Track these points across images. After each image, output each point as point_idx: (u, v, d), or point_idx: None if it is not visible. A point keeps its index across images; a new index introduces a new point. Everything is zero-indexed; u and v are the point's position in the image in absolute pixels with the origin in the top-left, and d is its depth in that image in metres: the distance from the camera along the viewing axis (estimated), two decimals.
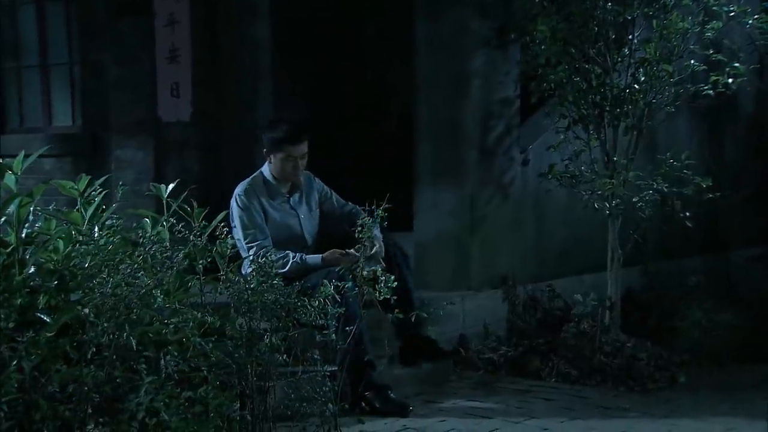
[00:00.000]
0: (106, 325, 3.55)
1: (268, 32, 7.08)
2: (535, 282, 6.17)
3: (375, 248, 4.92)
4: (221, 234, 4.18)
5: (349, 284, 4.40)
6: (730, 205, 6.79)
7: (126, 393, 3.57)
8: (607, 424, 4.76)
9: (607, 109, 5.77)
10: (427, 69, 6.03)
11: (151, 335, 3.79)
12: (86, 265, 3.77)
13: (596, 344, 5.60)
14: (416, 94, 6.10)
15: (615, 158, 5.82)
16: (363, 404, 4.80)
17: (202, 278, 4.15)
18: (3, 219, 3.85)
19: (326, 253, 5.11)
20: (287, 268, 4.99)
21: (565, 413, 4.91)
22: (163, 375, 3.68)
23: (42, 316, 3.59)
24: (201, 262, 4.09)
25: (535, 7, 5.79)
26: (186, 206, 4.28)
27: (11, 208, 3.80)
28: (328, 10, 7.34)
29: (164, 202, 4.32)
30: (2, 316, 3.50)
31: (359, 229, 4.32)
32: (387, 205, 4.27)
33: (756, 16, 5.96)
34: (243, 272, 4.60)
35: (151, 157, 6.97)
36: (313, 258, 5.13)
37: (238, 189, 5.25)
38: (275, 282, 4.07)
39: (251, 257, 4.79)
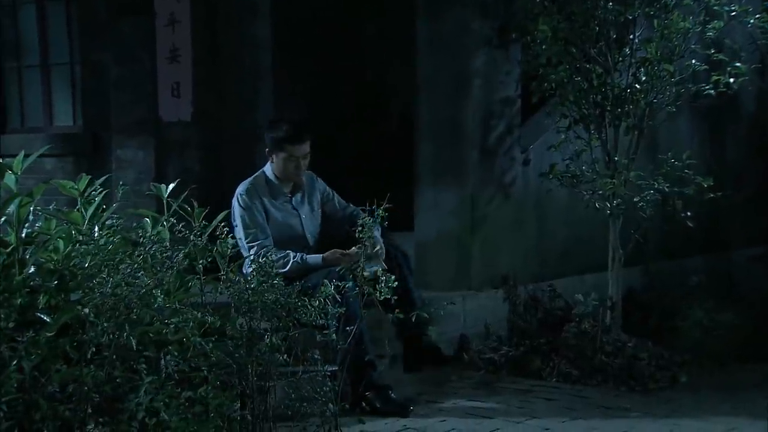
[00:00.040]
0: (106, 325, 3.55)
1: (268, 32, 7.08)
2: (536, 282, 6.17)
3: (376, 248, 4.94)
4: (221, 234, 4.18)
5: (350, 284, 4.40)
6: (731, 205, 6.78)
7: (126, 393, 3.57)
8: (609, 424, 4.75)
9: (608, 108, 5.76)
10: (428, 69, 6.02)
11: (151, 335, 3.79)
12: (86, 265, 3.77)
13: (597, 344, 5.59)
14: (417, 94, 6.09)
15: (616, 158, 5.81)
16: (363, 404, 4.79)
17: (203, 278, 4.15)
18: (3, 219, 3.84)
19: (327, 253, 5.11)
20: (288, 267, 5.00)
21: (567, 413, 4.91)
22: (163, 375, 3.68)
23: (42, 316, 3.59)
24: (201, 262, 4.09)
25: (536, 7, 5.78)
26: (186, 206, 4.28)
27: (11, 208, 3.80)
28: (328, 10, 7.34)
29: (164, 201, 4.32)
30: (2, 315, 3.50)
31: (359, 228, 4.32)
32: (387, 205, 4.27)
33: (757, 16, 5.96)
34: (244, 272, 4.59)
35: (151, 156, 6.98)
36: (314, 258, 5.14)
37: (240, 188, 5.25)
38: (276, 282, 4.07)
39: (252, 257, 4.79)
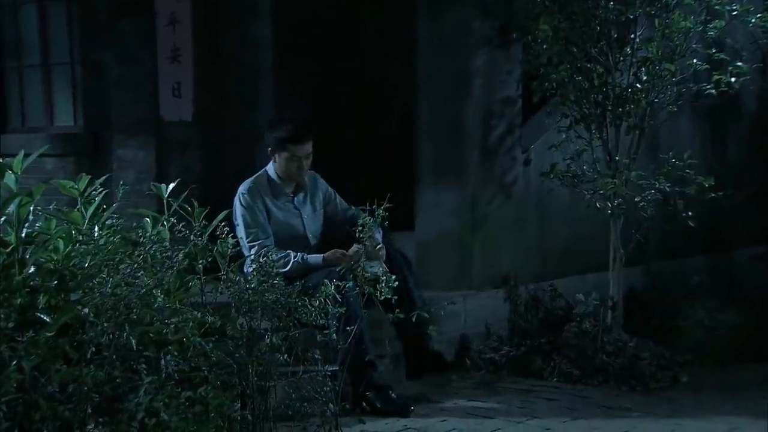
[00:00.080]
0: (106, 324, 3.55)
1: (269, 32, 7.07)
2: (537, 281, 6.16)
3: (378, 246, 4.94)
4: (222, 233, 4.17)
5: (350, 284, 4.40)
6: (732, 204, 6.77)
7: (126, 393, 3.56)
8: (610, 423, 4.74)
9: (609, 108, 5.75)
10: (429, 68, 6.02)
11: (151, 335, 3.78)
12: (86, 265, 3.77)
13: (598, 344, 5.59)
14: (417, 94, 6.09)
15: (617, 158, 5.80)
16: (364, 404, 4.79)
17: (203, 278, 4.15)
18: (3, 218, 3.84)
19: (328, 253, 5.12)
20: (288, 267, 5.00)
21: (568, 413, 4.90)
22: (163, 375, 3.67)
23: (42, 316, 3.59)
24: (201, 261, 4.08)
25: (537, 7, 5.77)
26: (187, 206, 4.28)
27: (11, 208, 3.80)
28: (328, 10, 7.33)
29: (165, 201, 4.32)
30: (2, 315, 3.50)
31: (359, 228, 4.31)
32: (388, 205, 4.26)
33: (759, 15, 5.95)
34: (245, 271, 4.59)
35: (152, 156, 6.97)
36: (315, 258, 5.14)
37: (242, 187, 5.25)
38: (276, 282, 4.07)
39: (252, 257, 4.79)
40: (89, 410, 3.52)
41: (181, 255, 3.99)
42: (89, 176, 4.17)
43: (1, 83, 8.13)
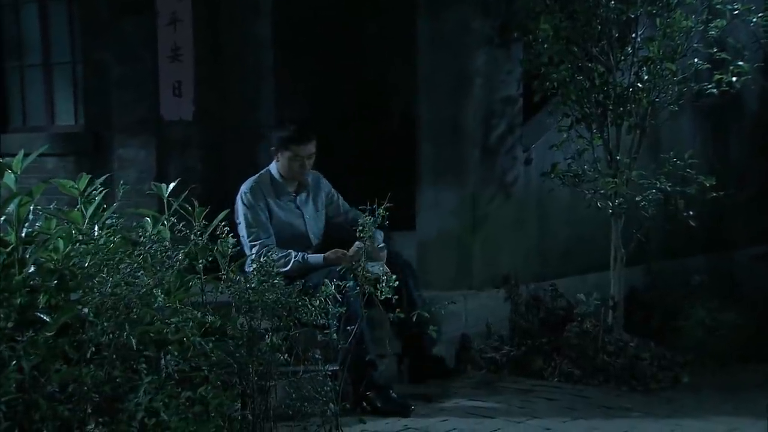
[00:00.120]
0: (105, 324, 3.55)
1: (270, 31, 7.07)
2: (537, 281, 6.16)
3: (379, 245, 4.94)
4: (222, 233, 4.17)
5: (351, 284, 4.40)
6: (734, 204, 6.77)
7: (126, 393, 3.56)
8: (610, 424, 4.74)
9: (610, 107, 5.75)
10: (429, 68, 6.01)
11: (151, 335, 3.78)
12: (86, 265, 3.77)
13: (599, 344, 5.59)
14: (418, 93, 6.08)
15: (618, 157, 5.79)
16: (364, 404, 4.79)
17: (203, 277, 4.15)
18: (3, 218, 3.83)
19: (328, 253, 5.12)
20: (289, 267, 5.01)
21: (568, 413, 4.90)
22: (164, 375, 3.67)
23: (42, 316, 3.58)
24: (201, 261, 4.08)
25: (538, 6, 5.77)
26: (187, 205, 4.28)
27: (11, 207, 3.79)
28: (329, 9, 7.33)
29: (165, 201, 4.32)
30: (2, 315, 3.49)
31: (360, 228, 4.31)
32: (388, 204, 4.25)
33: (760, 14, 5.95)
34: (246, 270, 4.59)
35: (153, 156, 6.97)
36: (315, 257, 5.15)
37: (244, 186, 5.26)
38: (276, 281, 4.07)
39: (253, 256, 4.79)
40: (89, 410, 3.52)
41: (181, 254, 3.98)
42: (89, 176, 4.17)
43: (2, 83, 8.14)
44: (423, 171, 6.05)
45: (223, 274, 4.13)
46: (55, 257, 3.81)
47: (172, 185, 4.36)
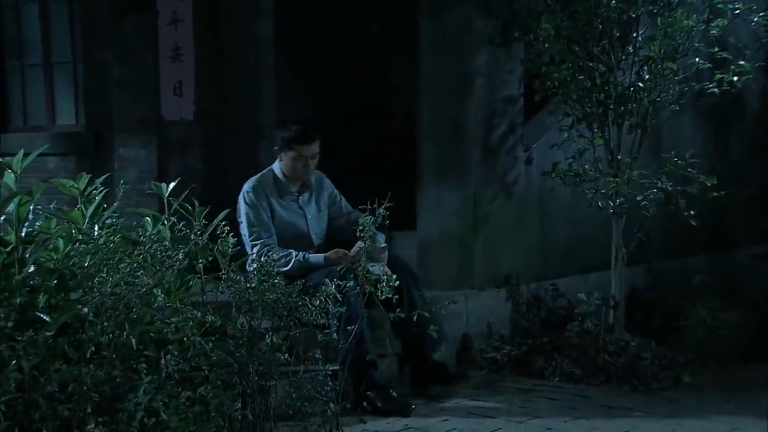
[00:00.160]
0: (105, 324, 3.54)
1: (271, 31, 7.07)
2: (538, 281, 6.15)
3: (381, 246, 4.94)
4: (222, 233, 4.17)
5: (351, 283, 4.39)
6: (735, 204, 6.76)
7: (126, 392, 3.55)
8: (611, 423, 4.73)
9: (611, 107, 5.74)
10: (431, 67, 6.00)
11: (151, 334, 3.77)
12: (86, 264, 3.76)
13: (600, 343, 5.58)
14: (419, 93, 6.07)
15: (619, 157, 5.79)
16: (365, 404, 4.78)
17: (204, 277, 4.14)
18: (3, 217, 3.83)
19: (329, 252, 5.12)
20: (290, 266, 5.01)
21: (569, 413, 4.89)
22: (164, 374, 3.67)
23: (41, 315, 3.58)
24: (201, 261, 4.08)
25: (539, 5, 5.76)
26: (187, 205, 4.28)
27: (11, 207, 3.79)
28: (331, 9, 7.32)
29: (165, 200, 4.31)
30: (2, 315, 3.50)
31: (360, 228, 4.30)
32: (389, 204, 4.25)
33: (761, 14, 5.93)
34: (247, 270, 4.58)
35: (154, 155, 6.97)
36: (316, 257, 5.15)
37: (247, 185, 5.26)
38: (277, 281, 4.06)
39: (254, 255, 4.78)
40: (89, 410, 3.52)
41: (181, 254, 3.98)
42: (89, 175, 4.17)
43: (3, 82, 8.14)
44: (424, 171, 6.05)
45: (223, 274, 4.13)
46: (55, 257, 3.81)
47: (172, 185, 4.36)
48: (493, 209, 6.03)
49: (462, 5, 5.92)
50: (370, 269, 4.38)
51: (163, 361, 3.70)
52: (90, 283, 3.65)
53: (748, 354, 5.93)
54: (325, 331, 4.16)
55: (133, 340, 3.56)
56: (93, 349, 3.55)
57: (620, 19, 5.69)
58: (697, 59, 5.81)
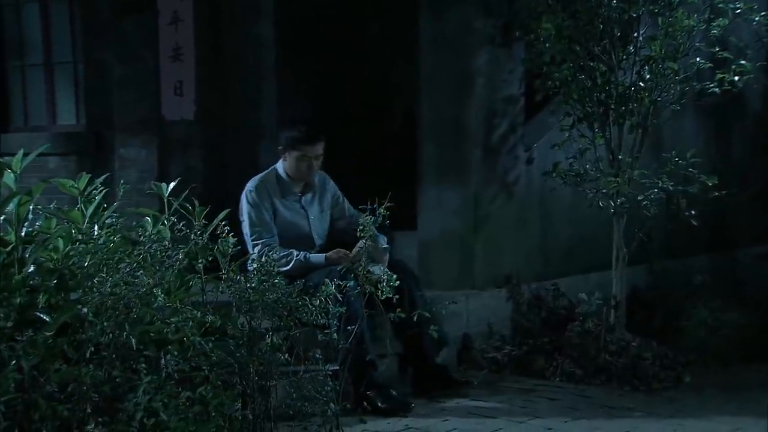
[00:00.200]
0: (105, 324, 3.54)
1: (271, 31, 7.06)
2: (539, 281, 6.14)
3: (384, 247, 4.94)
4: (222, 232, 4.16)
5: (351, 283, 4.38)
6: (736, 203, 6.74)
7: (125, 393, 3.55)
8: (612, 423, 4.72)
9: (612, 107, 5.73)
10: (431, 67, 6.00)
11: (151, 334, 3.77)
12: (86, 264, 3.76)
13: (601, 343, 5.57)
14: (420, 93, 6.07)
15: (620, 156, 5.78)
16: (365, 403, 4.78)
17: (204, 277, 4.14)
18: (3, 217, 3.83)
19: (330, 252, 5.11)
20: (290, 266, 5.01)
21: (570, 413, 4.88)
22: (163, 375, 3.66)
23: (41, 315, 3.58)
24: (201, 261, 4.07)
25: (540, 5, 5.75)
26: (188, 205, 4.27)
27: (11, 207, 3.78)
28: (331, 9, 7.32)
29: (165, 200, 4.31)
30: (1, 314, 3.49)
31: (360, 228, 4.30)
32: (390, 204, 4.24)
33: (763, 13, 5.92)
34: (249, 269, 4.58)
35: (154, 155, 6.97)
36: (317, 257, 5.14)
37: (250, 184, 5.26)
38: (277, 281, 4.06)
39: (255, 255, 4.78)
40: (88, 410, 3.51)
41: (181, 254, 3.97)
42: (89, 175, 4.16)
43: (4, 82, 8.13)
44: (425, 171, 6.04)
45: (223, 274, 4.12)
46: (55, 257, 3.81)
47: (172, 185, 4.35)
48: (494, 209, 6.02)
49: (462, 5, 5.91)
50: (371, 270, 4.37)
51: (162, 361, 3.69)
52: (90, 283, 3.65)
53: (749, 354, 5.92)
54: (326, 331, 4.16)
55: (133, 340, 3.56)
56: (93, 349, 3.55)
57: (621, 18, 5.68)
58: (698, 59, 5.80)
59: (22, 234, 3.82)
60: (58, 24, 7.84)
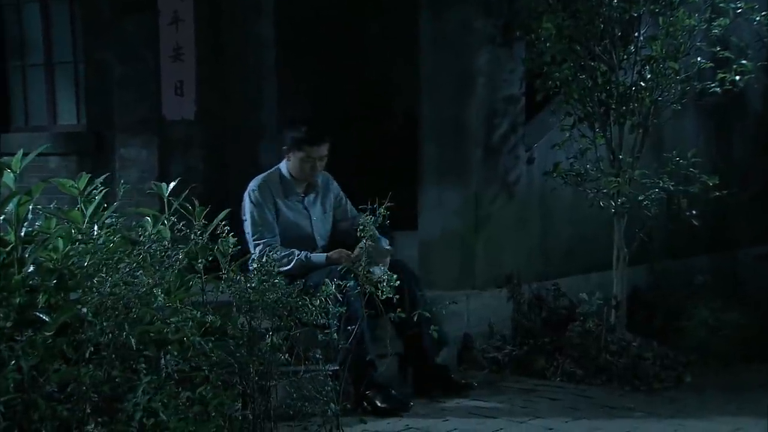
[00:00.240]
0: (105, 324, 3.53)
1: (272, 31, 7.06)
2: (540, 281, 6.14)
3: (387, 247, 4.93)
4: (222, 232, 4.16)
5: (351, 283, 4.38)
6: (737, 203, 6.74)
7: (125, 393, 3.55)
8: (613, 424, 4.72)
9: (613, 106, 5.73)
10: (431, 67, 5.99)
11: (151, 334, 3.77)
12: (85, 264, 3.75)
13: (602, 343, 5.57)
14: (420, 93, 6.06)
15: (621, 156, 5.77)
16: (365, 404, 4.77)
17: (204, 277, 4.13)
18: (2, 217, 3.83)
19: (332, 252, 5.11)
20: (291, 265, 5.01)
21: (570, 413, 4.88)
22: (163, 375, 3.66)
23: (41, 315, 3.58)
24: (201, 261, 4.07)
25: (541, 5, 5.74)
26: (188, 205, 4.27)
27: (10, 207, 3.78)
28: (331, 9, 7.31)
29: (165, 200, 4.31)
30: (1, 314, 3.49)
31: (360, 228, 4.29)
32: (390, 204, 4.24)
33: (763, 13, 5.91)
34: (250, 268, 4.57)
35: (155, 155, 6.97)
36: (318, 256, 5.14)
37: (253, 183, 5.26)
38: (277, 281, 4.05)
39: (256, 255, 4.77)
40: (88, 410, 3.51)
41: (181, 254, 3.97)
42: (89, 175, 4.16)
43: (5, 82, 8.14)
44: (425, 171, 6.04)
45: (223, 274, 4.12)
46: (55, 257, 3.80)
47: (172, 185, 4.35)
48: (495, 209, 6.02)
49: (462, 5, 5.91)
50: (371, 270, 4.36)
51: (162, 361, 3.69)
52: (89, 283, 3.64)
53: (750, 354, 5.91)
54: (326, 331, 4.15)
55: (133, 340, 3.55)
56: (92, 349, 3.54)
57: (622, 18, 5.67)
58: (699, 58, 5.79)
59: (22, 234, 3.81)
60: (59, 24, 7.84)
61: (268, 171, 5.36)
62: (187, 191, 4.30)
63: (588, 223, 6.22)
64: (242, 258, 4.50)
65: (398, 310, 4.29)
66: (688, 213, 5.84)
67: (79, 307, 3.59)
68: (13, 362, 3.39)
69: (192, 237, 4.09)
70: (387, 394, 4.80)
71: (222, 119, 6.96)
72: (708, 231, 6.35)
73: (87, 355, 3.54)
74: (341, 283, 4.17)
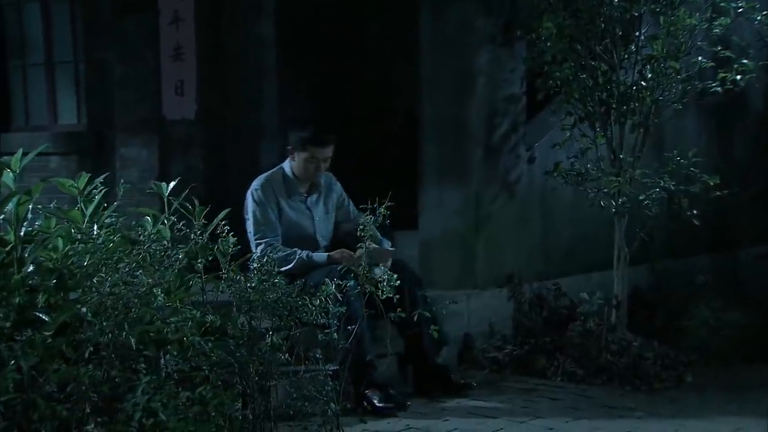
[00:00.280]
0: (104, 324, 3.53)
1: (272, 30, 7.07)
2: (540, 280, 6.14)
3: (390, 249, 4.92)
4: (222, 232, 4.15)
5: (351, 283, 4.37)
6: (738, 203, 6.73)
7: (124, 393, 3.54)
8: (613, 423, 4.71)
9: (614, 106, 5.72)
10: (432, 67, 5.99)
11: (151, 334, 3.76)
12: (85, 264, 3.75)
13: (602, 343, 5.56)
14: (421, 93, 6.06)
15: (621, 156, 5.77)
16: (365, 403, 4.77)
17: (204, 277, 4.13)
18: (2, 217, 3.82)
19: (334, 252, 5.11)
20: (292, 264, 5.00)
21: (571, 413, 4.87)
22: (163, 375, 3.65)
23: (40, 315, 3.57)
24: (201, 260, 4.06)
25: (541, 4, 5.73)
26: (188, 204, 4.26)
27: (10, 206, 3.78)
28: (332, 9, 7.31)
29: (165, 200, 4.30)
30: (0, 314, 3.48)
31: (360, 227, 4.29)
32: (390, 204, 4.23)
33: (765, 12, 5.89)
34: (251, 268, 4.56)
35: (155, 155, 6.97)
36: (319, 256, 5.14)
37: (256, 183, 5.25)
38: (277, 281, 4.05)
39: (257, 255, 4.77)
40: (87, 410, 3.50)
41: (181, 254, 3.96)
42: (89, 174, 4.15)
43: (5, 82, 8.14)
44: (426, 170, 6.04)
45: (223, 274, 4.11)
46: (54, 256, 3.80)
47: (172, 184, 4.35)
48: (495, 209, 6.01)
49: (463, 4, 5.90)
50: (372, 270, 4.36)
51: (162, 361, 3.68)
52: (89, 283, 3.64)
53: (751, 354, 5.90)
54: (326, 331, 4.15)
55: (133, 340, 3.54)
56: (92, 349, 3.54)
57: (623, 17, 5.67)
58: (700, 58, 5.77)
59: (22, 233, 3.81)
60: (59, 23, 7.85)
61: (271, 170, 5.35)
62: (187, 191, 4.29)
63: (589, 223, 6.21)
64: (243, 258, 4.50)
65: (398, 309, 4.29)
66: (689, 213, 5.83)
67: (79, 306, 3.59)
68: (12, 362, 3.38)
69: (192, 237, 4.08)
70: (387, 394, 4.80)
71: (222, 119, 6.95)
72: (709, 231, 6.34)
73: (86, 354, 3.53)
74: (341, 282, 4.17)
